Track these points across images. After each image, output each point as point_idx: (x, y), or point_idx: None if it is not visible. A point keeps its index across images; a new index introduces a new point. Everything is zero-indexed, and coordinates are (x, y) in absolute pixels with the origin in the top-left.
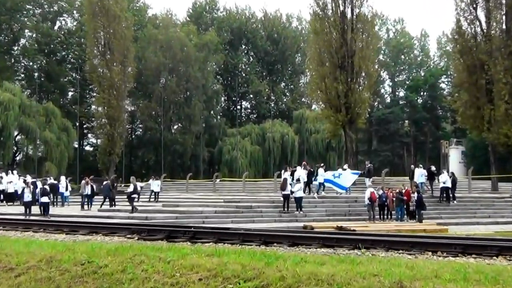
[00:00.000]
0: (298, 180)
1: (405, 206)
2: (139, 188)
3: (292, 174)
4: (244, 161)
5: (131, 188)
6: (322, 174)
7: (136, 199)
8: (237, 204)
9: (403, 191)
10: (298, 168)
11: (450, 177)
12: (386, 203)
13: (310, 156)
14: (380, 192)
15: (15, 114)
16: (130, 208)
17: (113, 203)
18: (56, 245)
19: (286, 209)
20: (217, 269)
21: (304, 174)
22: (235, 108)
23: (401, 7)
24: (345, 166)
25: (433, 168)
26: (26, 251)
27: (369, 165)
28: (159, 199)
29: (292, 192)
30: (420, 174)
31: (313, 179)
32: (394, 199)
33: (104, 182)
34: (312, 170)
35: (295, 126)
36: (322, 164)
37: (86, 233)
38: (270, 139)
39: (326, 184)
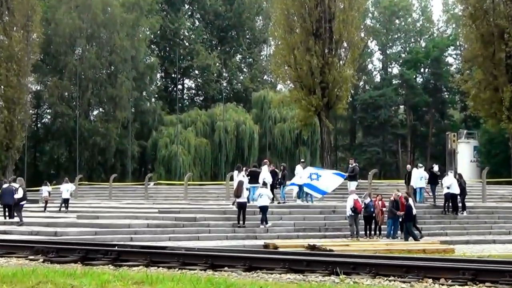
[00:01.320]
0: (264, 184)
1: (399, 219)
2: (46, 194)
3: (250, 176)
4: (187, 158)
5: (19, 194)
6: (300, 173)
7: (22, 208)
8: (176, 216)
9: (397, 198)
10: (264, 167)
11: (457, 180)
12: (374, 215)
13: (274, 152)
14: (367, 200)
15: None
16: (37, 218)
17: (13, 213)
18: None
19: (241, 222)
20: None
21: (268, 175)
22: (175, 89)
23: None
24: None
25: (435, 168)
26: None
27: (353, 164)
28: (69, 209)
29: (249, 200)
30: (419, 177)
31: (277, 182)
32: (384, 209)
33: (4, 186)
34: (276, 170)
35: (255, 112)
36: (302, 160)
37: None
38: (221, 130)
39: (305, 189)
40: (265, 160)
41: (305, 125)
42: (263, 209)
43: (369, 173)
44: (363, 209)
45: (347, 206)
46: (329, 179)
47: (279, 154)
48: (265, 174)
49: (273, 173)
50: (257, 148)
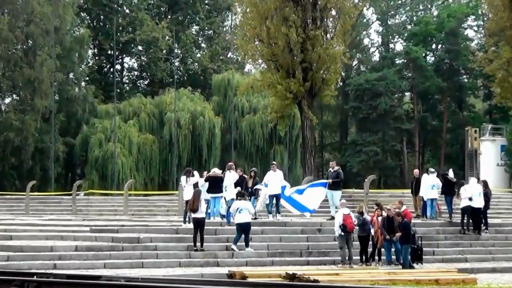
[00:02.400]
0: (240, 194)
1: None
2: None
3: (210, 183)
4: (127, 160)
5: None
6: (272, 181)
7: None
8: (114, 236)
9: (391, 215)
10: (229, 173)
11: (481, 189)
12: (371, 234)
13: (241, 152)
14: (362, 215)
15: None
16: None
17: None
18: None
19: (199, 244)
20: None
21: (231, 182)
22: (111, 70)
23: None
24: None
25: (451, 174)
26: None
27: (336, 168)
28: None
29: (209, 216)
30: (430, 185)
31: (246, 191)
32: (384, 227)
33: None
34: (245, 176)
35: (216, 101)
36: (273, 163)
37: None
38: (172, 123)
39: (282, 202)
40: (230, 163)
41: (281, 118)
42: (245, 228)
43: (366, 180)
44: (356, 227)
45: (335, 223)
46: (315, 193)
47: (248, 155)
48: (229, 181)
49: (241, 180)
50: (219, 148)
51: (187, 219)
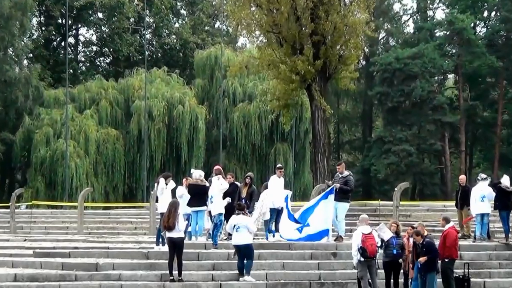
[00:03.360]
0: (239, 207)
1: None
2: None
3: (192, 193)
4: (83, 162)
5: None
6: (277, 190)
7: None
8: (65, 261)
9: (419, 231)
10: (216, 180)
11: None
12: (401, 261)
13: (233, 152)
14: (387, 234)
15: None
16: None
17: None
18: None
19: (176, 273)
20: None
21: (219, 192)
22: (62, 43)
23: None
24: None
25: (506, 181)
26: None
27: (344, 173)
28: None
29: (189, 236)
30: (480, 195)
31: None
32: (419, 250)
33: None
34: (237, 183)
35: (200, 85)
36: (279, 166)
37: None
38: (142, 114)
39: (283, 222)
40: (217, 167)
41: (285, 107)
42: (244, 252)
43: (396, 188)
44: (380, 251)
45: (352, 245)
46: (325, 208)
47: (242, 156)
48: (216, 191)
49: (232, 189)
50: (203, 146)
51: (160, 240)
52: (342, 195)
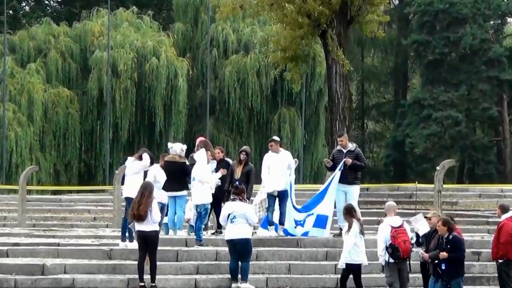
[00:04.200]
0: (237, 190)
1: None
2: None
3: (169, 172)
4: (26, 132)
5: None
6: (275, 170)
7: None
8: (1, 263)
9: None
10: (200, 154)
11: None
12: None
13: (222, 120)
14: (423, 228)
15: None
16: None
17: None
18: None
19: (150, 277)
20: None
21: (205, 172)
22: None
23: None
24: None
25: None
26: None
27: (349, 146)
28: None
29: (166, 229)
30: None
31: (230, 186)
32: (443, 246)
33: None
34: (229, 160)
35: (180, 30)
36: (275, 138)
37: None
38: (104, 68)
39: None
40: (201, 139)
41: (293, 61)
42: (239, 249)
43: (438, 167)
44: (414, 249)
45: (378, 242)
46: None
47: (235, 124)
48: (201, 170)
49: (222, 167)
50: (184, 111)
51: (127, 234)
52: (353, 175)
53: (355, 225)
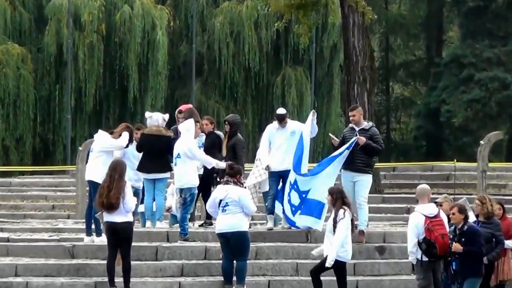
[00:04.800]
0: (232, 171)
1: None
2: None
3: (146, 149)
4: None
5: None
6: (279, 147)
7: None
8: None
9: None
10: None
11: None
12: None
13: (212, 81)
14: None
15: None
16: None
17: None
18: None
19: (123, 281)
20: None
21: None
22: None
23: None
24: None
25: None
26: None
27: (364, 124)
28: None
29: (143, 221)
30: None
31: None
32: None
33: None
34: (219, 133)
35: None
36: (281, 111)
37: None
38: (63, 19)
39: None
40: (187, 106)
41: (300, 9)
42: (236, 245)
43: (481, 142)
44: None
45: (408, 236)
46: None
47: (228, 89)
48: (185, 145)
49: (212, 142)
50: (164, 72)
51: (94, 227)
52: (365, 161)
53: (348, 214)
